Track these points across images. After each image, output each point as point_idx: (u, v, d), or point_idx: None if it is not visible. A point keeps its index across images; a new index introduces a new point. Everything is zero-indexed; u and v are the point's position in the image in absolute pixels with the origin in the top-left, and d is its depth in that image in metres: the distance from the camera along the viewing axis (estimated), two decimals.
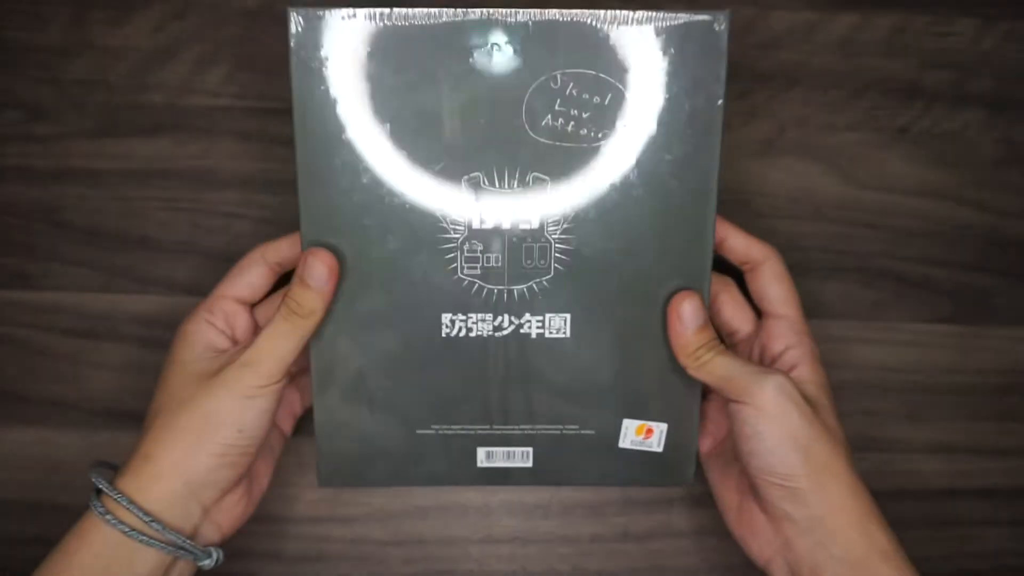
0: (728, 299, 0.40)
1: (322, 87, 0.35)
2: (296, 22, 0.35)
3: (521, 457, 0.40)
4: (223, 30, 0.43)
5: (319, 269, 0.36)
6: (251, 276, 0.39)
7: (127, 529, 0.34)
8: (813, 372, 0.38)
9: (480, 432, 0.40)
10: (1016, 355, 0.46)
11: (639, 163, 0.36)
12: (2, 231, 0.44)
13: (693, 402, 0.39)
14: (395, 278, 0.37)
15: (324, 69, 0.35)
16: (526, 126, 0.36)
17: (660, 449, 0.40)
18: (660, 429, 0.40)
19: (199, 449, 0.35)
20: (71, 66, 0.43)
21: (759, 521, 0.37)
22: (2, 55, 0.43)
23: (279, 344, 0.36)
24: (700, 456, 0.42)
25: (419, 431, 0.39)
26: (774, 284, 0.39)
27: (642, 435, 0.40)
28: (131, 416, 0.44)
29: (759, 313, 0.40)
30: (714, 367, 0.36)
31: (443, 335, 0.38)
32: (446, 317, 0.38)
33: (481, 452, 0.40)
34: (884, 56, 0.44)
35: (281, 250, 0.39)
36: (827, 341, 0.45)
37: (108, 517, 0.34)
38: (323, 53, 0.35)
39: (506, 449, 0.40)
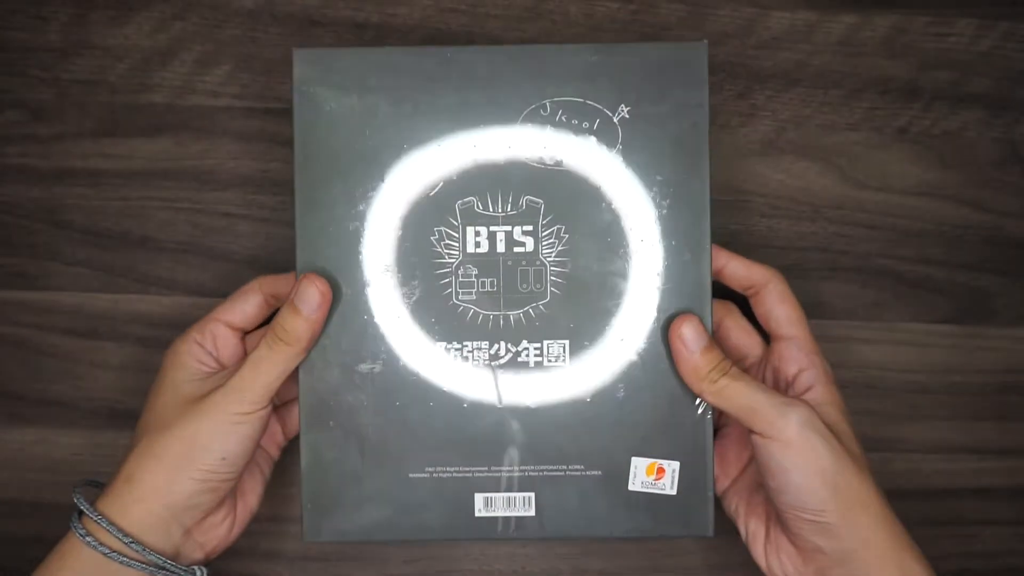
0: (733, 324, 0.40)
1: (324, 121, 0.37)
2: (301, 61, 0.37)
3: (522, 504, 0.38)
4: (223, 30, 0.43)
5: (312, 294, 0.35)
6: (246, 304, 0.39)
7: (107, 551, 0.34)
8: (829, 393, 0.37)
9: (477, 475, 0.38)
10: (1016, 355, 0.46)
11: (629, 187, 0.37)
12: (2, 231, 0.44)
13: (705, 436, 0.37)
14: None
15: (327, 105, 0.37)
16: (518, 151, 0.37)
17: (674, 492, 0.37)
18: (672, 468, 0.37)
19: (181, 474, 0.35)
20: (71, 66, 0.43)
21: (788, 551, 0.36)
22: (2, 55, 0.43)
23: (263, 371, 0.35)
24: (719, 493, 0.40)
25: (412, 475, 0.37)
26: (779, 306, 0.38)
27: (653, 475, 0.37)
28: (131, 416, 0.44)
29: (766, 337, 0.40)
30: (733, 394, 0.35)
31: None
32: (441, 346, 0.37)
33: (479, 500, 0.38)
34: (884, 56, 0.44)
35: (278, 284, 0.39)
36: (827, 341, 0.45)
37: (89, 539, 0.34)
38: (326, 90, 0.37)
39: (506, 496, 0.38)
